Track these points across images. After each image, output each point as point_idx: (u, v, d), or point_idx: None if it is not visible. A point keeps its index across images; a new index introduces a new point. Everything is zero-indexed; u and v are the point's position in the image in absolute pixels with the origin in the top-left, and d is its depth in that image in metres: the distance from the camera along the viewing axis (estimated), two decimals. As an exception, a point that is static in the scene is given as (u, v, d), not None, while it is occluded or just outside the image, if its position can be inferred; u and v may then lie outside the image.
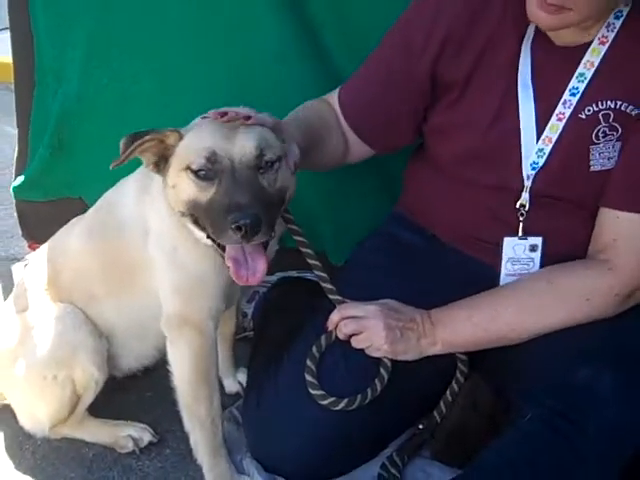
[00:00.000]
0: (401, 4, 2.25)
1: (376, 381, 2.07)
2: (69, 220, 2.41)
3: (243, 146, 1.83)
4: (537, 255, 2.13)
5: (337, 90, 2.36)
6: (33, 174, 3.13)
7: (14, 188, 3.21)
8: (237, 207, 1.75)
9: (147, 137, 1.88)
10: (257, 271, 1.87)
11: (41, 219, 3.19)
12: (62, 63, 2.91)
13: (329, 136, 2.28)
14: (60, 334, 2.21)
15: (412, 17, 2.19)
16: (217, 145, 1.83)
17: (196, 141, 1.87)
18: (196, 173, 1.84)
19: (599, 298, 2.01)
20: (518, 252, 2.14)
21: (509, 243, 2.14)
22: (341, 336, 2.13)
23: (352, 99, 2.31)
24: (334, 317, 2.16)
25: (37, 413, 2.29)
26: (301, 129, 2.11)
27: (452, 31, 2.09)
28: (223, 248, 1.88)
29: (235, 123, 1.88)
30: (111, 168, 1.89)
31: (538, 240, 2.12)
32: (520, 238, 2.13)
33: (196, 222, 1.91)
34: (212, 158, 1.82)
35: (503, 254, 2.15)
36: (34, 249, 3.24)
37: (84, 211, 2.40)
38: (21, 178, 3.17)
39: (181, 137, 1.90)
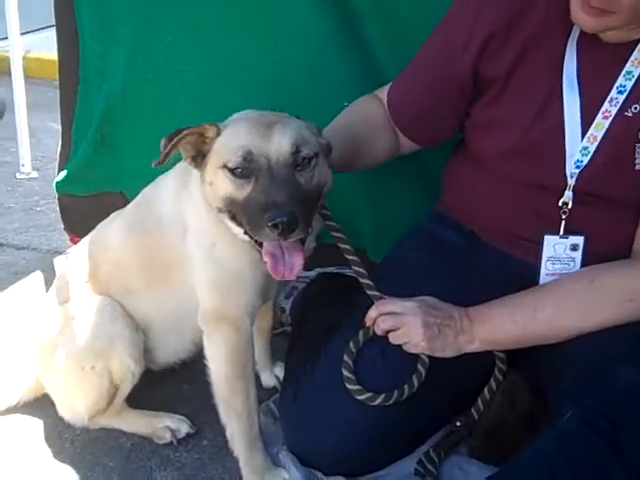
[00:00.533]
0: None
1: (413, 377, 2.06)
2: (110, 214, 2.44)
3: (279, 144, 1.84)
4: (578, 255, 2.10)
5: (388, 87, 2.37)
6: (76, 169, 3.18)
7: (57, 183, 3.26)
8: (274, 205, 1.76)
9: (185, 132, 1.89)
10: (294, 266, 1.87)
11: (82, 213, 3.24)
12: (106, 59, 2.96)
13: (376, 138, 2.31)
14: (98, 326, 2.24)
15: (454, 16, 2.18)
16: (253, 144, 1.84)
17: (232, 139, 1.88)
18: (232, 171, 1.85)
19: None
20: (559, 251, 2.11)
21: (550, 241, 2.12)
22: (379, 332, 2.12)
23: (398, 99, 2.33)
24: (372, 313, 2.15)
25: (76, 403, 2.32)
26: (343, 140, 2.14)
27: (494, 28, 2.07)
28: (260, 244, 1.89)
29: (272, 119, 1.89)
30: (153, 166, 1.92)
31: (580, 240, 2.09)
32: (561, 237, 2.10)
33: (233, 218, 1.92)
34: (248, 157, 1.83)
35: (543, 252, 2.13)
36: (76, 243, 3.28)
37: (125, 205, 2.43)
38: (64, 173, 3.22)
39: (219, 132, 1.92)
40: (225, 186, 1.87)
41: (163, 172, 2.27)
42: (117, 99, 2.97)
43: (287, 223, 1.73)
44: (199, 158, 1.95)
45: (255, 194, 1.82)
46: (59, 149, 3.31)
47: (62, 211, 3.41)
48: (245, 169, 1.83)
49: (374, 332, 2.14)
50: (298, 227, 1.76)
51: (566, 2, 1.95)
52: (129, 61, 2.89)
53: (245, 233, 1.92)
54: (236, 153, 1.84)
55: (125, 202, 2.57)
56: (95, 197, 3.23)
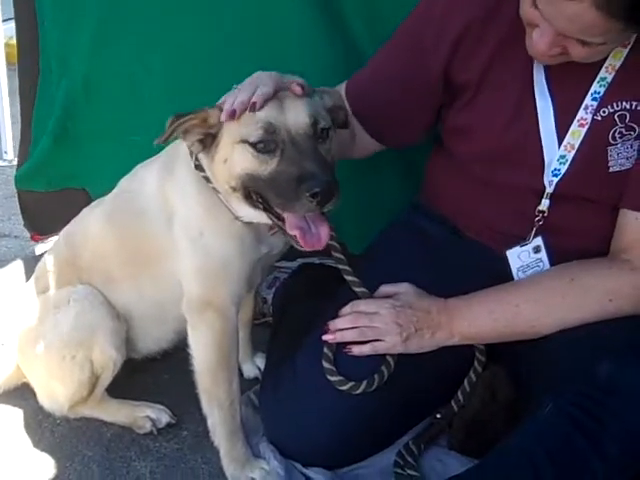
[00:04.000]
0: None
1: (387, 357, 2.08)
2: (71, 212, 2.42)
3: (297, 116, 1.83)
4: (543, 255, 2.12)
5: (344, 84, 2.35)
6: (36, 163, 3.11)
7: (16, 177, 3.20)
8: (310, 176, 1.75)
9: (188, 117, 1.86)
10: (322, 236, 1.88)
11: (44, 210, 3.21)
12: (68, 48, 2.88)
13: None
14: (78, 315, 2.23)
15: (423, 14, 2.18)
16: (271, 116, 1.82)
17: (248, 114, 1.84)
18: (254, 146, 1.83)
19: (622, 299, 1.98)
20: (524, 259, 2.13)
21: (513, 253, 2.14)
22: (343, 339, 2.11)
23: (359, 91, 2.31)
24: (345, 309, 2.15)
25: (56, 392, 2.31)
26: None
27: (465, 31, 2.09)
28: (281, 220, 1.88)
29: (281, 92, 1.87)
30: (155, 144, 1.89)
31: (539, 240, 2.11)
32: (522, 246, 2.12)
33: (248, 196, 1.91)
34: (270, 129, 1.81)
35: (511, 265, 2.14)
36: (37, 240, 3.26)
37: (87, 203, 2.41)
38: (24, 167, 3.15)
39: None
40: (245, 162, 1.85)
41: (128, 167, 2.26)
42: (80, 90, 2.90)
43: (326, 192, 1.74)
44: (208, 140, 1.91)
45: (284, 167, 1.80)
46: (18, 143, 3.25)
47: (22, 207, 3.35)
48: (268, 142, 1.82)
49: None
50: (334, 196, 1.77)
51: None
52: (93, 50, 2.81)
53: (265, 210, 1.90)
54: (256, 127, 1.82)
55: (87, 199, 2.54)
56: (56, 193, 3.16)
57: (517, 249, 2.13)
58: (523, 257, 2.13)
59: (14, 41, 3.15)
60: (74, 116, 2.96)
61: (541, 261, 2.12)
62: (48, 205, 3.16)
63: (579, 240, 2.09)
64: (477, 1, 2.08)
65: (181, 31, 2.72)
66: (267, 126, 1.81)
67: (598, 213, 2.08)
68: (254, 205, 1.91)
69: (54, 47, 2.91)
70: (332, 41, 2.68)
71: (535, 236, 2.11)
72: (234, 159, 1.87)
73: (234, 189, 1.91)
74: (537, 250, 2.11)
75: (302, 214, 1.84)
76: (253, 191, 1.89)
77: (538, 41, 1.87)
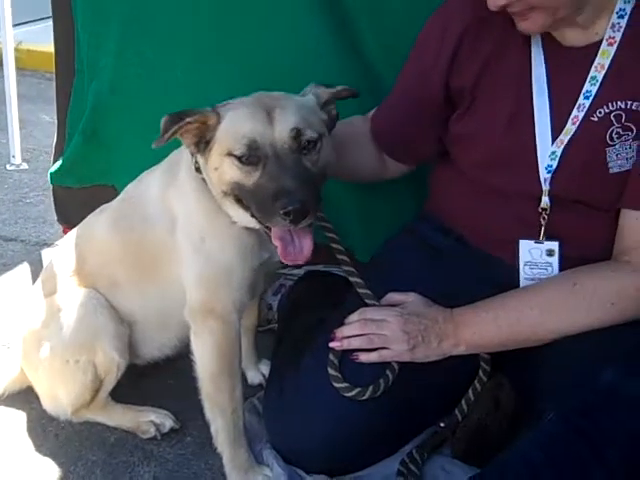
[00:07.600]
0: (434, 1, 2.25)
1: (392, 362, 2.07)
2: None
3: (282, 129, 1.84)
4: (555, 260, 2.11)
5: (371, 112, 2.43)
6: (68, 161, 3.17)
7: (51, 173, 3.26)
8: (285, 193, 1.76)
9: (188, 120, 1.88)
10: (304, 250, 1.88)
11: (76, 205, 3.22)
12: (98, 53, 2.95)
13: (357, 147, 2.36)
14: (82, 319, 2.23)
15: (423, 40, 2.24)
16: (256, 131, 1.83)
17: (235, 127, 1.87)
18: (239, 158, 1.85)
19: (625, 301, 1.97)
20: (535, 256, 2.12)
21: (525, 246, 2.13)
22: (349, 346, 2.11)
23: (380, 122, 2.39)
24: (353, 317, 2.15)
25: (59, 396, 2.31)
26: None
27: (459, 45, 2.12)
28: (269, 227, 1.89)
29: (271, 102, 1.89)
30: (153, 147, 1.89)
31: (555, 245, 2.10)
32: (536, 242, 2.12)
33: (239, 201, 1.92)
34: (253, 145, 1.83)
35: (520, 257, 2.14)
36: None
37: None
38: (58, 164, 3.21)
39: (219, 119, 1.90)
40: (232, 172, 1.87)
41: (150, 166, 2.27)
42: (106, 93, 2.96)
43: (299, 211, 1.75)
44: (202, 144, 1.93)
45: (264, 181, 1.82)
46: (54, 140, 3.30)
47: (56, 202, 3.41)
48: (251, 156, 1.83)
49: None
50: (309, 213, 1.77)
51: None
52: (119, 55, 2.88)
53: (252, 216, 1.91)
54: (240, 141, 1.83)
55: (117, 195, 2.55)
56: (88, 189, 3.22)
57: (530, 242, 2.12)
58: (534, 254, 2.12)
59: (23, 46, 3.17)
60: (102, 116, 3.02)
61: (550, 265, 2.11)
62: (80, 200, 3.19)
63: (585, 250, 2.09)
64: (470, 8, 2.10)
65: (202, 33, 2.77)
66: (250, 143, 1.83)
67: (604, 222, 2.07)
68: (245, 209, 1.93)
69: (86, 50, 2.98)
70: (338, 41, 2.71)
71: (546, 236, 2.10)
72: (223, 168, 1.89)
73: (225, 193, 1.93)
74: (550, 254, 2.11)
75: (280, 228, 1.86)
76: (243, 198, 1.91)
77: None
